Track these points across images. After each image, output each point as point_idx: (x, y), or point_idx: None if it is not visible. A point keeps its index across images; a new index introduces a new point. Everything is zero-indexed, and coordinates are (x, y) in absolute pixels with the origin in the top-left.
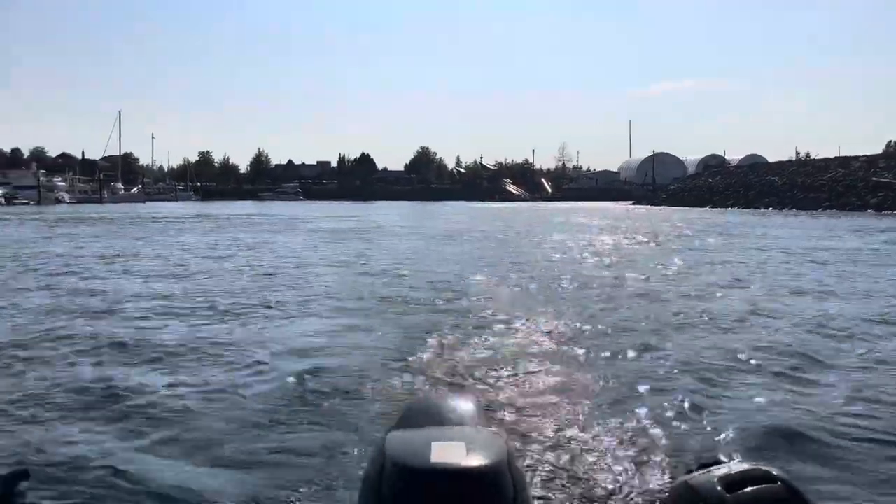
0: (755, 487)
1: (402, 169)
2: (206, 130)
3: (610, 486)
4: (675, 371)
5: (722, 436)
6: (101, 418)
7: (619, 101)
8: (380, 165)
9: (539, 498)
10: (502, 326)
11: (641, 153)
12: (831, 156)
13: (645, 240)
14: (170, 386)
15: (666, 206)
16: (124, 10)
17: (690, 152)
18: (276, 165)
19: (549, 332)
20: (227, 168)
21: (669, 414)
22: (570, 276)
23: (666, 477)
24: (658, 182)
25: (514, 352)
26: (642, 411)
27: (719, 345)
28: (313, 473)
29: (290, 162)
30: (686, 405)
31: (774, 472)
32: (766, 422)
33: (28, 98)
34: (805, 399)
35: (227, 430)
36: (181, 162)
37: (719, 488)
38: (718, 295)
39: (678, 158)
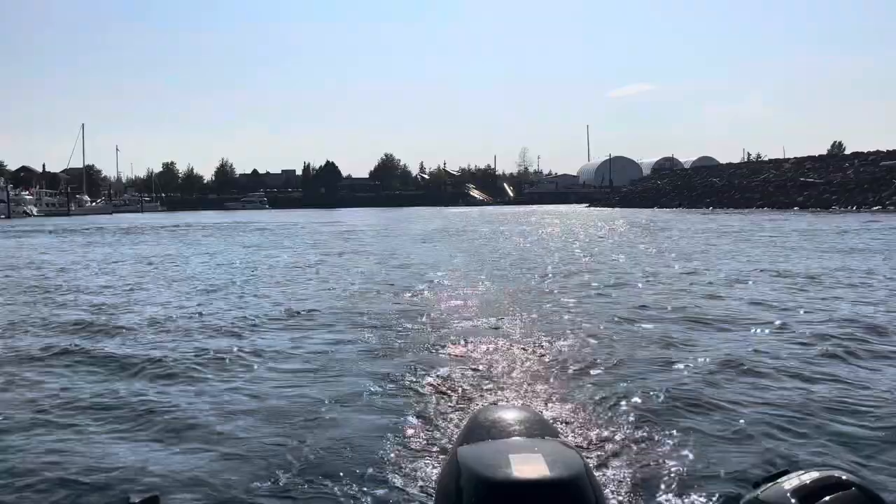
0: (832, 496)
1: (366, 176)
2: (170, 142)
3: (681, 499)
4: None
5: (784, 439)
6: None
7: (578, 105)
8: (344, 173)
9: None
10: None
11: (600, 157)
12: (781, 157)
13: (594, 231)
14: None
15: (619, 208)
16: (81, 21)
17: (646, 155)
18: (240, 175)
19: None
20: (192, 179)
21: (725, 423)
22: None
23: (734, 489)
24: (616, 184)
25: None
26: (701, 419)
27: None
28: (380, 486)
29: (254, 171)
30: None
31: (845, 478)
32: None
33: None
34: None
35: (275, 448)
36: (146, 173)
37: (794, 501)
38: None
39: (634, 161)
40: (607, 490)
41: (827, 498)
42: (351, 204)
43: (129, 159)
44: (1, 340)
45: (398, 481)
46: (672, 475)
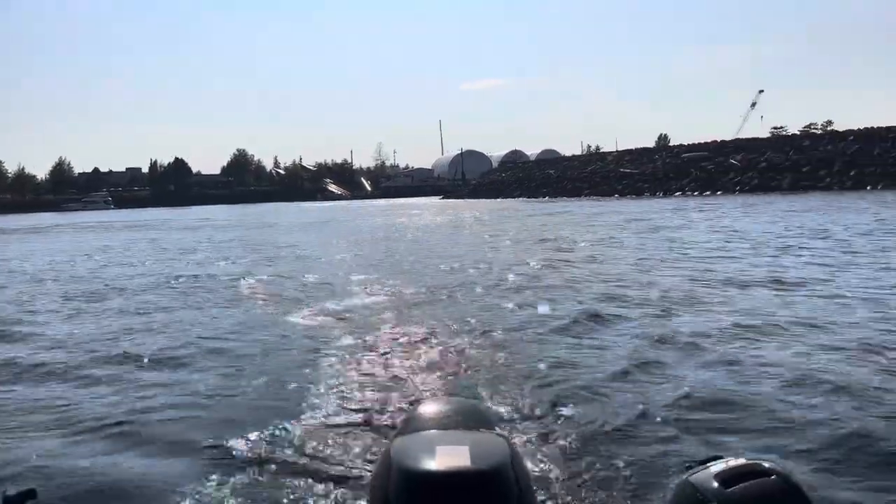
0: (752, 482)
1: (218, 173)
2: None
3: (614, 485)
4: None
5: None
6: None
7: (432, 99)
8: (194, 170)
9: (546, 499)
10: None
11: (454, 150)
12: (614, 149)
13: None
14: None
15: (469, 199)
16: None
17: (497, 148)
18: (80, 174)
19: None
20: (23, 178)
21: (669, 410)
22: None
23: (668, 474)
24: (468, 177)
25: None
26: (642, 407)
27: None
28: (320, 481)
29: (95, 170)
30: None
31: (768, 465)
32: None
33: None
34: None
35: (223, 436)
36: None
37: (717, 484)
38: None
39: (485, 155)
40: (538, 481)
41: (748, 483)
42: (203, 201)
43: None
44: None
45: (337, 478)
46: (606, 465)
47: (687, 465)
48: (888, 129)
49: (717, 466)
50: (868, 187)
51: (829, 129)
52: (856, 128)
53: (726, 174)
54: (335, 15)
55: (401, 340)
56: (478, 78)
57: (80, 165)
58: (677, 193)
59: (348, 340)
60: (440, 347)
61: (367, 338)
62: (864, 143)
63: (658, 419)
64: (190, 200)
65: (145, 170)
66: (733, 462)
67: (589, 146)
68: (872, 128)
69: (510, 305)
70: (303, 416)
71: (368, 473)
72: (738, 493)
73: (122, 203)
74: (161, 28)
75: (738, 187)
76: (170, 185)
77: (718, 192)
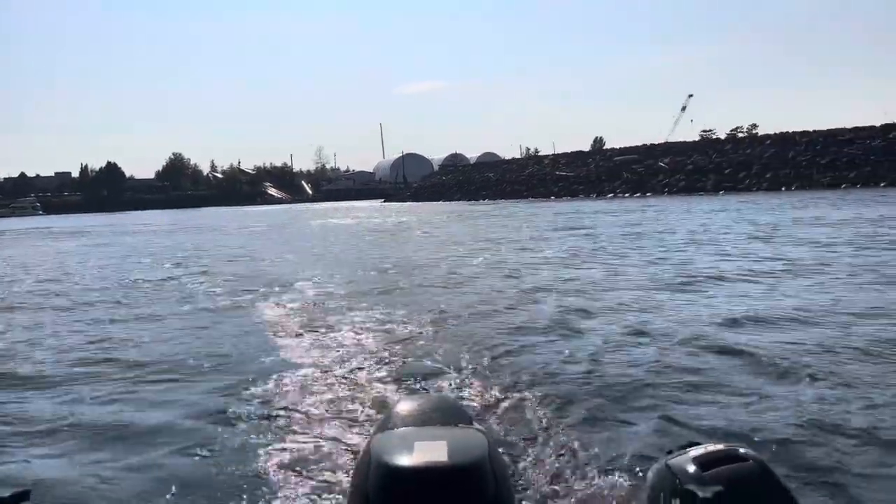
0: (729, 466)
1: (153, 177)
2: None
3: (592, 473)
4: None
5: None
6: None
7: (373, 102)
8: (128, 174)
9: (524, 490)
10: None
11: (395, 153)
12: (551, 153)
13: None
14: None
15: (411, 202)
16: None
17: (438, 152)
18: (6, 179)
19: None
20: None
21: (647, 399)
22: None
23: (646, 460)
24: (409, 180)
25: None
26: (621, 395)
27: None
28: (300, 480)
29: (22, 175)
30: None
31: (743, 451)
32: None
33: None
34: None
35: (202, 439)
36: None
37: (695, 468)
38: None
39: (426, 158)
40: (516, 473)
41: (724, 467)
42: (138, 207)
43: None
44: None
45: (316, 477)
46: (584, 454)
47: (666, 450)
48: (802, 133)
49: (695, 451)
50: (783, 188)
51: (753, 132)
52: (777, 131)
53: (655, 176)
54: (273, 17)
55: (374, 338)
56: (418, 80)
57: (5, 170)
58: (610, 195)
59: (321, 340)
60: (413, 345)
61: (341, 337)
62: (780, 148)
63: (634, 406)
64: (124, 206)
65: (76, 174)
66: (711, 447)
67: (528, 149)
68: (787, 133)
69: (477, 300)
70: (280, 417)
71: (348, 472)
72: (714, 477)
73: (51, 209)
74: (90, 29)
75: (666, 189)
76: (102, 190)
77: (648, 194)
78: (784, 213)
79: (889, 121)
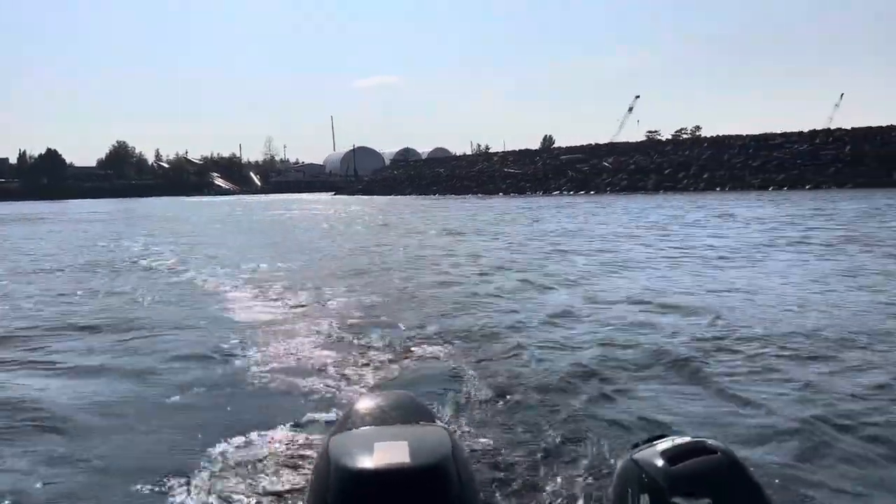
0: (696, 459)
1: (95, 165)
2: None
3: (558, 469)
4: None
5: (668, 409)
6: None
7: (324, 95)
8: (68, 162)
9: (489, 487)
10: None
11: (346, 147)
12: (502, 149)
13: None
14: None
15: (362, 195)
16: None
17: (389, 146)
18: None
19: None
20: None
21: (612, 390)
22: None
23: (613, 454)
24: (361, 174)
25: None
26: (586, 388)
27: None
28: (258, 481)
29: None
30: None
31: (711, 443)
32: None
33: None
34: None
35: (158, 438)
36: None
37: (662, 462)
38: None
39: (377, 152)
40: (480, 471)
41: (691, 460)
42: (80, 195)
43: None
44: None
45: (273, 480)
46: (550, 448)
47: (632, 443)
48: (736, 136)
49: (662, 445)
50: (718, 188)
51: (697, 133)
52: (718, 134)
53: (599, 175)
54: (226, 7)
55: (328, 332)
56: (371, 75)
57: None
58: (556, 192)
59: (274, 333)
60: (372, 337)
61: (294, 330)
62: (716, 150)
63: (600, 398)
64: (65, 194)
65: (13, 160)
66: (678, 440)
67: (479, 145)
68: (722, 136)
69: (437, 288)
70: (232, 418)
71: (305, 474)
72: (682, 471)
73: None
74: (28, 13)
75: (609, 187)
76: (42, 177)
77: (592, 192)
78: (670, 212)
79: (815, 126)
